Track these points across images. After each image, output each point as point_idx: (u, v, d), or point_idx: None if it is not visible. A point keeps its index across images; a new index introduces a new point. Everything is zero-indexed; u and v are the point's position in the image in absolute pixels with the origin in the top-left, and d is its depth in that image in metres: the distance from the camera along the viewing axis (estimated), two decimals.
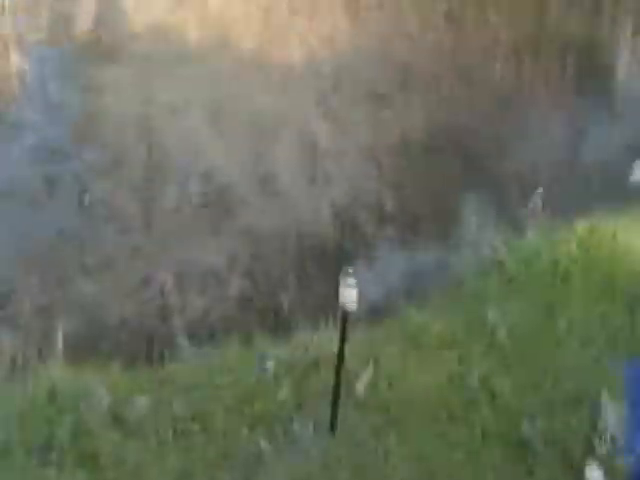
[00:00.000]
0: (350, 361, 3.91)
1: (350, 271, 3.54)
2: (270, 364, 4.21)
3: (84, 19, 8.62)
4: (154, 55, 8.20)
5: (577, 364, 4.09)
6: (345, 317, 3.60)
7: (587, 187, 5.70)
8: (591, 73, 7.20)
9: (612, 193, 5.10)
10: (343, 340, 3.66)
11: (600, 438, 3.68)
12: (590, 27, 7.28)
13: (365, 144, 7.12)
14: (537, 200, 4.93)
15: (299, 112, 7.49)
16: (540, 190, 4.98)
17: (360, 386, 4.07)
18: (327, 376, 4.03)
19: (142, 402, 4.02)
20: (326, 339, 4.25)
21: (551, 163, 6.22)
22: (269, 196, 6.54)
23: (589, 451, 3.70)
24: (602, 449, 3.68)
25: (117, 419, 3.92)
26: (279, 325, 4.76)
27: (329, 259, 5.44)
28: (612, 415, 3.75)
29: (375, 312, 4.47)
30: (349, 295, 3.51)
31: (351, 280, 3.50)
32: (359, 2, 9.31)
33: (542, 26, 7.52)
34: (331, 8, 9.16)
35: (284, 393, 4.04)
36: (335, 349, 3.76)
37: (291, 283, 5.46)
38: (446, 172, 6.48)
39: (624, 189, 5.13)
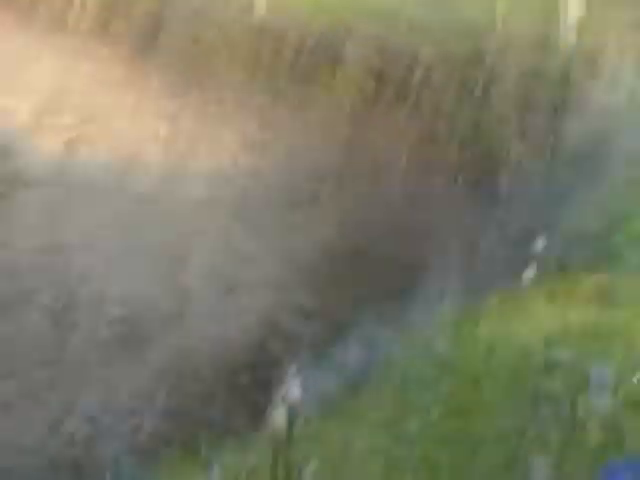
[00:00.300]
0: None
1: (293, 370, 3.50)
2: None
3: None
4: (59, 182, 8.30)
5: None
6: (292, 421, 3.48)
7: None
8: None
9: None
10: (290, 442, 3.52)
11: None
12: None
13: (282, 250, 7.29)
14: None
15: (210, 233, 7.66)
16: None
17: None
18: None
19: None
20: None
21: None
22: (188, 313, 6.56)
23: None
24: None
25: None
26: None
27: (258, 367, 5.41)
28: None
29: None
30: (294, 394, 3.43)
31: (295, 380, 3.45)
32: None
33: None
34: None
35: None
36: None
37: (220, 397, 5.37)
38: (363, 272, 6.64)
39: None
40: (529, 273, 4.96)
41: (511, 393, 3.90)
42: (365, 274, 6.39)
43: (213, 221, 7.81)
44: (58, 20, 11.30)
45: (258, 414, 4.15)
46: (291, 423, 3.45)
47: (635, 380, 3.78)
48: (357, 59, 9.55)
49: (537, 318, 4.46)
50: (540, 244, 5.27)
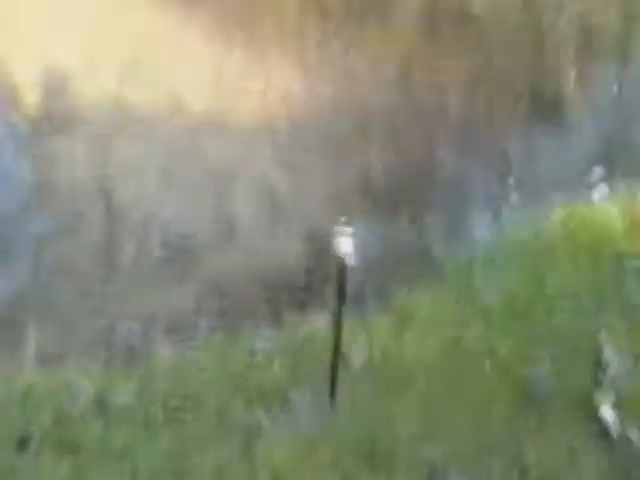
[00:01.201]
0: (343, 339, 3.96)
1: (344, 220, 3.64)
2: (260, 344, 4.23)
3: (31, 93, 9.02)
4: (105, 123, 8.59)
5: (573, 328, 4.23)
6: (342, 271, 3.64)
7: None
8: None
9: None
10: (342, 297, 3.68)
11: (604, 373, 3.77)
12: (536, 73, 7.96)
13: (324, 189, 7.41)
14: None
15: (256, 163, 7.82)
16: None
17: (355, 359, 4.11)
18: (321, 353, 4.09)
19: (127, 390, 3.97)
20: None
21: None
22: (231, 241, 6.72)
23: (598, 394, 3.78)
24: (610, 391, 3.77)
25: (100, 407, 3.86)
26: None
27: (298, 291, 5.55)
28: (616, 361, 3.86)
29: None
30: (345, 245, 3.58)
31: (346, 230, 3.59)
32: (311, 60, 9.96)
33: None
34: (282, 68, 9.78)
35: (277, 370, 4.05)
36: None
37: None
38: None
39: None
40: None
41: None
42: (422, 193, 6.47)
43: (260, 153, 8.01)
44: None
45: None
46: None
47: None
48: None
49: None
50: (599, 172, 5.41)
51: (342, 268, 3.61)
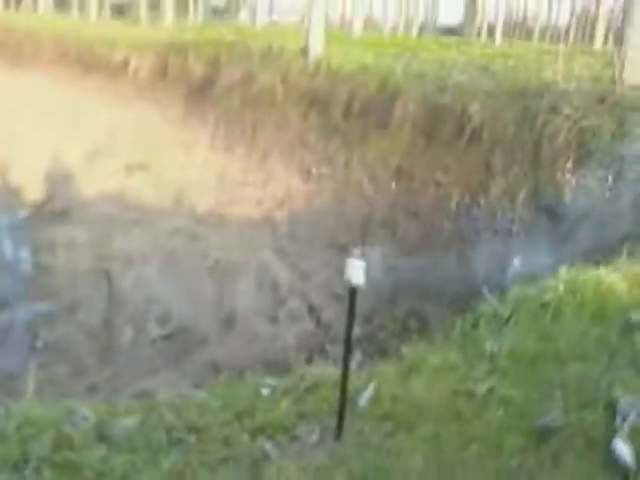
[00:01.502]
0: (350, 382, 3.98)
1: (357, 251, 3.76)
2: (266, 390, 4.22)
3: (36, 186, 9.35)
4: (108, 216, 8.89)
5: (582, 375, 4.25)
6: (353, 293, 3.73)
7: None
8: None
9: None
10: (351, 319, 3.75)
11: (623, 420, 3.76)
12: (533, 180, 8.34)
13: (326, 286, 7.59)
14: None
15: (257, 260, 8.03)
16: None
17: (363, 400, 4.09)
18: (327, 395, 4.11)
19: (129, 420, 3.93)
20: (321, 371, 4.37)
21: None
22: (231, 335, 6.80)
23: (612, 434, 3.75)
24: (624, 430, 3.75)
25: (103, 435, 3.80)
26: None
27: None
28: (631, 408, 3.86)
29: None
30: (355, 267, 3.69)
31: (357, 253, 3.72)
32: (311, 163, 10.41)
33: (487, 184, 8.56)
34: (284, 170, 10.21)
35: (285, 406, 4.02)
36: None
37: None
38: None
39: None
40: None
41: None
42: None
43: (260, 245, 8.26)
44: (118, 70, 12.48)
45: None
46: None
47: None
48: (407, 116, 10.25)
49: None
50: None
51: (353, 295, 3.68)
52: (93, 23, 25.49)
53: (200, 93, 12.83)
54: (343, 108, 11.24)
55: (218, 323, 6.85)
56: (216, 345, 6.37)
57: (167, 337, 6.59)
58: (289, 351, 6.05)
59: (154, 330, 6.64)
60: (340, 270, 7.59)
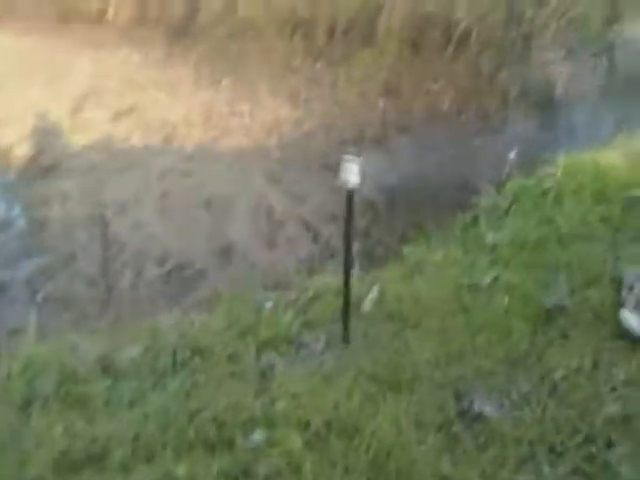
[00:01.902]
0: (353, 288, 3.94)
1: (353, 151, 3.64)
2: (268, 304, 4.20)
3: (23, 143, 9.22)
4: (97, 164, 8.77)
5: (586, 255, 4.21)
6: (350, 195, 3.63)
7: None
8: None
9: None
10: (349, 222, 3.67)
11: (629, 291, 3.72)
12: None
13: (322, 207, 7.51)
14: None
15: (251, 190, 7.93)
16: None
17: (368, 303, 4.07)
18: (331, 302, 4.08)
19: (133, 349, 3.91)
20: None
21: None
22: (229, 265, 6.75)
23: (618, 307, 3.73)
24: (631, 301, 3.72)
25: (107, 366, 3.79)
26: None
27: None
28: (637, 280, 3.82)
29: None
30: (350, 169, 3.58)
31: (351, 157, 3.60)
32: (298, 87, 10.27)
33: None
34: (272, 98, 10.07)
35: (289, 318, 4.00)
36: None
37: None
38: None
39: None
40: None
41: None
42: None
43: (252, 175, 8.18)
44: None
45: None
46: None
47: None
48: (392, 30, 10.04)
49: None
50: None
51: (350, 197, 3.61)
52: None
53: (181, 32, 12.59)
54: (326, 29, 11.01)
55: (216, 255, 6.79)
56: (215, 277, 6.31)
57: (166, 275, 6.53)
58: (290, 273, 6.00)
59: (153, 270, 6.58)
60: (335, 191, 7.56)
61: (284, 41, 11.49)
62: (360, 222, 6.30)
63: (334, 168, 7.82)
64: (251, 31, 11.96)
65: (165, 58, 12.29)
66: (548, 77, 7.89)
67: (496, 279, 4.07)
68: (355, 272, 4.04)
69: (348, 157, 3.48)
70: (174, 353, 3.75)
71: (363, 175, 3.56)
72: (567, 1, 8.24)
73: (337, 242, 6.29)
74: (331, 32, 10.94)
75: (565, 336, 3.61)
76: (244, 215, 7.54)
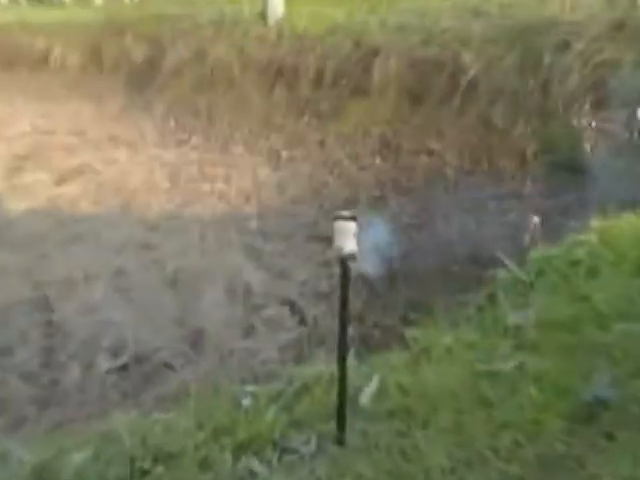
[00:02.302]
0: (349, 378, 3.87)
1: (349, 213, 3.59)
2: (247, 400, 4.11)
3: None
4: (40, 234, 8.75)
5: (629, 337, 4.16)
6: (345, 264, 3.51)
7: None
8: None
9: None
10: (345, 296, 3.60)
11: None
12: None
13: (309, 285, 7.49)
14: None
15: (225, 265, 7.91)
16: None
17: (366, 396, 3.99)
18: (322, 396, 4.01)
19: (79, 455, 3.80)
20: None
21: None
22: (200, 355, 6.68)
23: None
24: None
25: (45, 479, 3.68)
26: None
27: None
28: None
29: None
30: (345, 231, 3.49)
31: (346, 217, 3.54)
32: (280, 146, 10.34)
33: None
34: (249, 157, 10.13)
35: (272, 416, 3.91)
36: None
37: None
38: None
39: None
40: None
41: None
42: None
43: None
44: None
45: None
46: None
47: None
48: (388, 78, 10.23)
49: None
50: None
51: (346, 267, 3.56)
52: (5, 5, 25.25)
53: (143, 80, 12.76)
54: (313, 78, 11.20)
55: (183, 344, 6.71)
56: (183, 369, 6.22)
57: (122, 369, 6.44)
58: (272, 363, 5.93)
59: (106, 363, 6.49)
60: (324, 264, 7.55)
61: (263, 92, 11.68)
62: (355, 300, 6.27)
63: (323, 239, 7.95)
64: (224, 80, 12.15)
65: (123, 111, 12.45)
66: (572, 131, 7.98)
67: (521, 366, 3.99)
68: (351, 360, 3.97)
69: (343, 218, 3.43)
70: (132, 461, 3.63)
71: (361, 241, 3.52)
72: (593, 45, 8.39)
73: (328, 325, 6.26)
74: (318, 81, 11.12)
75: (610, 437, 3.52)
76: (217, 295, 7.50)
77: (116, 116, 12.25)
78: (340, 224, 3.51)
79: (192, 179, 10.21)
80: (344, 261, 3.53)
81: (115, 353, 6.73)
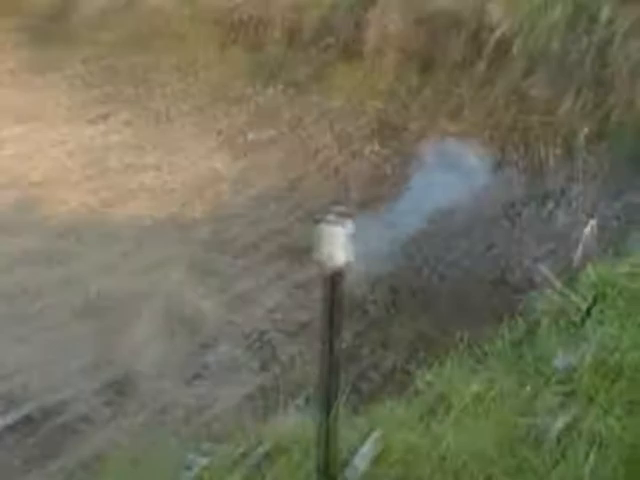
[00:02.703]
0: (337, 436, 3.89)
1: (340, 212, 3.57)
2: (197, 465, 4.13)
3: None
4: None
5: None
6: (334, 281, 3.49)
7: None
8: None
9: None
10: (332, 325, 3.59)
11: None
12: None
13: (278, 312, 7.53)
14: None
15: (164, 286, 7.90)
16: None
17: (362, 459, 4.01)
18: (301, 460, 4.03)
19: None
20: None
21: None
22: (127, 408, 6.70)
23: None
24: None
25: None
26: None
27: None
28: None
29: None
30: (335, 238, 3.46)
31: (336, 218, 3.51)
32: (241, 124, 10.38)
33: None
34: (198, 139, 10.13)
35: None
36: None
37: None
38: None
39: None
40: None
41: None
42: None
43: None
44: None
45: None
46: None
47: None
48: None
49: None
50: None
51: (334, 284, 3.55)
52: None
53: (51, 32, 12.74)
54: (286, 34, 11.24)
55: (104, 394, 6.72)
56: (104, 428, 6.23)
57: (21, 427, 6.45)
58: (231, 418, 5.95)
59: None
60: (301, 286, 7.56)
61: (217, 51, 11.70)
62: (346, 332, 6.26)
63: (299, 251, 7.96)
64: (165, 35, 12.17)
65: (19, 72, 12.40)
66: (637, 109, 8.07)
67: (574, 424, 4.00)
68: (340, 412, 3.97)
69: (329, 220, 3.41)
70: None
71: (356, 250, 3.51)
72: None
73: (307, 366, 6.26)
74: (293, 38, 11.17)
75: None
76: (153, 327, 7.49)
77: (10, 81, 12.20)
78: (325, 229, 3.49)
79: (119, 169, 10.16)
80: (332, 279, 3.51)
81: (10, 406, 6.70)
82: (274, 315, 7.47)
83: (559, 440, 4.05)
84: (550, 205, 7.79)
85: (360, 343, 6.64)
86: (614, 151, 8.18)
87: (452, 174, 8.63)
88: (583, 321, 4.81)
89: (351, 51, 10.87)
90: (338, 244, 3.47)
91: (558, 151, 8.53)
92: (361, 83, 10.61)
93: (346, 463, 3.95)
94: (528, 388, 4.40)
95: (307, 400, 5.19)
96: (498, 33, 9.76)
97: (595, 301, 4.87)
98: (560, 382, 4.42)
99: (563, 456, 3.96)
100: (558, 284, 5.07)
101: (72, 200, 9.57)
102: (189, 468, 4.08)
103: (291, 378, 6.51)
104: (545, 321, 4.88)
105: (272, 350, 6.92)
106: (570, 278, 5.15)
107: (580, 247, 5.76)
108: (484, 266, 6.91)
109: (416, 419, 4.27)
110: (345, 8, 11.11)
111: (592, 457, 3.93)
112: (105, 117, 11.25)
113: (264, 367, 6.82)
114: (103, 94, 11.64)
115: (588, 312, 4.80)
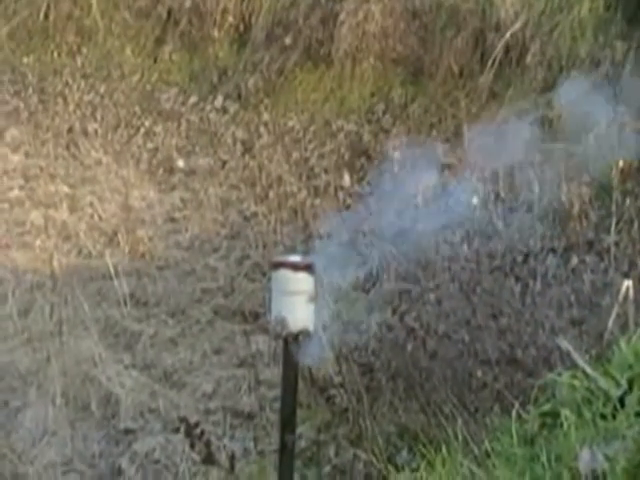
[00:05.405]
0: None
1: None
2: None
3: None
4: None
5: None
6: (290, 350, 3.57)
7: None
8: None
9: None
10: (291, 414, 3.64)
11: None
12: None
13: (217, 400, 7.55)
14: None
15: (67, 361, 7.90)
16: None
17: None
18: None
19: None
20: None
21: None
22: None
23: None
24: None
25: None
26: None
27: None
28: None
29: None
30: (294, 283, 3.52)
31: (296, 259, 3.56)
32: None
33: None
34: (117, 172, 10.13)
35: None
36: None
37: None
38: None
39: None
40: None
41: None
42: None
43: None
44: None
45: None
46: None
47: None
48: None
49: None
50: None
51: (290, 357, 3.61)
52: None
53: None
54: (232, 30, 11.31)
55: None
56: None
57: None
58: None
59: None
60: (246, 363, 7.59)
61: (141, 51, 11.76)
62: (304, 425, 6.31)
63: (245, 315, 7.98)
64: (70, 28, 12.22)
65: None
66: None
67: None
68: None
69: (286, 274, 3.47)
70: None
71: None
72: None
73: (253, 466, 6.28)
74: (241, 35, 11.23)
75: None
76: (47, 413, 7.54)
77: None
78: (278, 286, 3.54)
79: (9, 201, 10.19)
80: (288, 345, 3.57)
81: None
82: (210, 402, 7.47)
83: None
84: (574, 260, 7.83)
85: (324, 439, 6.65)
86: None
87: (445, 216, 8.67)
88: (615, 413, 4.83)
89: (316, 55, 10.92)
90: (294, 306, 3.52)
91: (585, 190, 8.57)
92: (328, 97, 10.67)
93: None
94: None
95: None
96: (508, 34, 9.83)
97: (631, 387, 4.91)
98: None
99: None
100: (583, 364, 5.09)
101: None
102: None
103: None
104: (565, 412, 4.89)
105: (208, 445, 6.91)
106: (599, 356, 5.17)
107: (612, 316, 5.79)
108: (487, 339, 6.92)
109: None
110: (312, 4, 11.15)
111: None
112: None
113: (194, 472, 6.82)
114: None
115: (621, 401, 4.83)
